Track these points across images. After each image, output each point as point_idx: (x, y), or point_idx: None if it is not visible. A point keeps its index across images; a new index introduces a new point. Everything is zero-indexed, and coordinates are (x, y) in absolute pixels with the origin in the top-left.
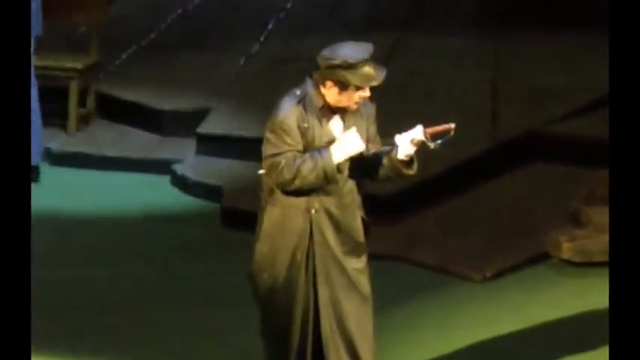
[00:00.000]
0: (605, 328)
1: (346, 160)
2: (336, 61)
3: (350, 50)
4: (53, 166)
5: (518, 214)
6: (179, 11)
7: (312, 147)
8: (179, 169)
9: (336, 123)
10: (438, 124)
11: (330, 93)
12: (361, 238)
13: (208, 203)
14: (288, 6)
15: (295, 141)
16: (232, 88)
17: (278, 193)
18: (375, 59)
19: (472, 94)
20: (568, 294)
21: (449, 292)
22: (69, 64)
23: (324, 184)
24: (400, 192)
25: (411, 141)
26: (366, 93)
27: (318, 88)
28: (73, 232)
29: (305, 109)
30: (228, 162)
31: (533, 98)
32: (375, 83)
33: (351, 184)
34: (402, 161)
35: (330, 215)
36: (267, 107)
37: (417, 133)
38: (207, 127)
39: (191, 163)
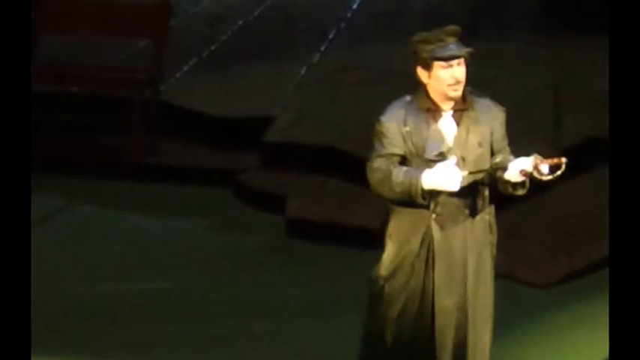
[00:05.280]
0: None
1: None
2: (415, 38)
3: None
4: (117, 179)
5: (582, 220)
6: (239, 22)
7: (421, 151)
8: (242, 179)
9: (447, 124)
10: (543, 152)
11: (425, 81)
12: (488, 243)
13: (272, 213)
14: (349, 16)
15: (393, 144)
16: (294, 97)
17: (401, 203)
18: (460, 39)
19: (534, 100)
20: None
21: (514, 298)
22: (131, 77)
23: (408, 200)
24: None
25: (520, 171)
26: (455, 73)
27: (421, 87)
28: (138, 244)
29: (410, 112)
30: (292, 171)
31: (596, 104)
32: (447, 53)
33: (479, 190)
34: (506, 181)
35: (455, 219)
36: (328, 116)
37: (528, 163)
38: (270, 137)
39: (254, 172)
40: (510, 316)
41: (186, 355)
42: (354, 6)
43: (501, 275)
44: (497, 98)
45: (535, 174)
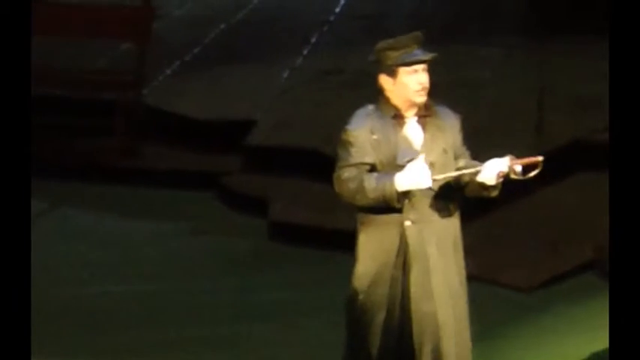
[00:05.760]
0: None
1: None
2: (380, 46)
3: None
4: (100, 182)
5: (566, 224)
6: (222, 26)
7: (391, 158)
8: (225, 182)
9: (413, 131)
10: (525, 155)
11: (389, 89)
12: (460, 249)
13: (255, 217)
14: (332, 19)
15: (362, 153)
16: (277, 101)
17: (370, 212)
18: (424, 46)
19: (517, 104)
20: None
21: (496, 302)
22: (114, 80)
23: (384, 205)
24: None
25: (497, 174)
26: (421, 78)
27: (384, 97)
28: (120, 247)
29: (376, 121)
30: (275, 174)
31: (579, 107)
32: (413, 58)
33: (449, 195)
34: (480, 184)
35: (428, 225)
36: (311, 120)
37: (504, 164)
38: (253, 140)
39: (237, 176)
40: (493, 320)
41: (169, 357)
42: (337, 9)
43: (484, 279)
44: (481, 101)
45: (512, 175)
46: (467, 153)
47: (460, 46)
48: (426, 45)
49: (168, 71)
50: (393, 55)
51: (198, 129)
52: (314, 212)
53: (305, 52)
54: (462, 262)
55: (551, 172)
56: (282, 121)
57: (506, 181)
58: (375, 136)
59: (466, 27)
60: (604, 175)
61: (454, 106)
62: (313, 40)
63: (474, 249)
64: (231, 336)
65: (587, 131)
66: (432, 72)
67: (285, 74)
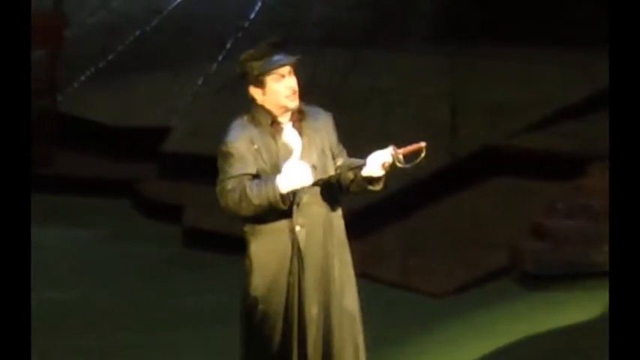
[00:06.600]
0: (573, 340)
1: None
2: (242, 58)
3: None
4: None
5: (479, 229)
6: (136, 33)
7: (274, 166)
8: (139, 189)
9: (291, 136)
10: (409, 143)
11: (260, 99)
12: (347, 249)
13: (169, 223)
14: (246, 25)
15: (244, 164)
16: (192, 108)
17: (258, 221)
18: (284, 49)
19: (430, 109)
20: (530, 306)
21: (412, 308)
22: None
23: (271, 210)
24: (361, 209)
25: (382, 164)
26: (289, 82)
27: (257, 105)
28: (34, 254)
29: (254, 130)
30: (189, 181)
31: (492, 113)
32: (277, 63)
33: (333, 195)
34: (366, 178)
35: (316, 228)
36: (227, 126)
37: (387, 155)
38: (167, 147)
39: (152, 183)
40: (407, 326)
41: None
42: (252, 15)
43: (398, 285)
44: (393, 108)
45: (397, 164)
46: (343, 151)
47: (374, 52)
48: (287, 49)
49: (83, 78)
50: (257, 65)
51: (113, 136)
52: (227, 219)
53: (220, 58)
54: (349, 261)
55: (465, 177)
56: (197, 128)
57: (419, 187)
58: (255, 146)
59: (381, 33)
60: (517, 180)
61: (367, 112)
62: (228, 46)
63: (390, 255)
64: (147, 342)
65: (500, 137)
66: (345, 78)
67: (200, 81)
